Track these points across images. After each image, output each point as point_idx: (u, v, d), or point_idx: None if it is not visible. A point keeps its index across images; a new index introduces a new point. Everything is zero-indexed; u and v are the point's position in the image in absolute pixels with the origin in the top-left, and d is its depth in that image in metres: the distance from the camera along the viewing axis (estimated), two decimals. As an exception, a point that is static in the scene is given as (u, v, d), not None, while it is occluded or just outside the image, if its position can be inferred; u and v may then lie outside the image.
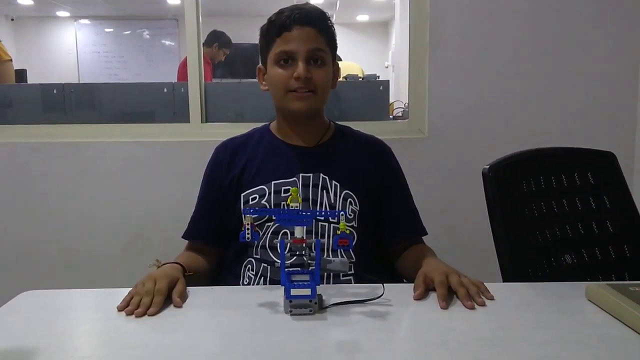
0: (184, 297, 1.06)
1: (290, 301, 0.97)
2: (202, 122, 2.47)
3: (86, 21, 8.48)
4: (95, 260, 2.39)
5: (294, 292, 0.97)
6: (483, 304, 1.02)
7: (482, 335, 0.90)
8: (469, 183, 2.34)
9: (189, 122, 2.47)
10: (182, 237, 1.37)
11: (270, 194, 1.27)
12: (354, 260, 1.26)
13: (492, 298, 1.05)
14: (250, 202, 1.28)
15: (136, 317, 0.96)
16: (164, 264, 1.17)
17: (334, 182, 1.29)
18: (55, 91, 2.55)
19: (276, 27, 1.25)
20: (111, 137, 2.45)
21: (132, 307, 0.98)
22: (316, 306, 0.98)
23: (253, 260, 1.26)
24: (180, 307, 1.01)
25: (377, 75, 3.34)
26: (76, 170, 2.39)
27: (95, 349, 0.86)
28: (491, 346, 0.86)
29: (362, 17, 8.49)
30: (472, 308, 1.00)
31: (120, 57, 8.44)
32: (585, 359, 0.82)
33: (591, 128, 2.36)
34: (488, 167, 1.35)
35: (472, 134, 2.39)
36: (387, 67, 7.81)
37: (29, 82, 3.61)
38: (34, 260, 2.41)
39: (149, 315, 0.97)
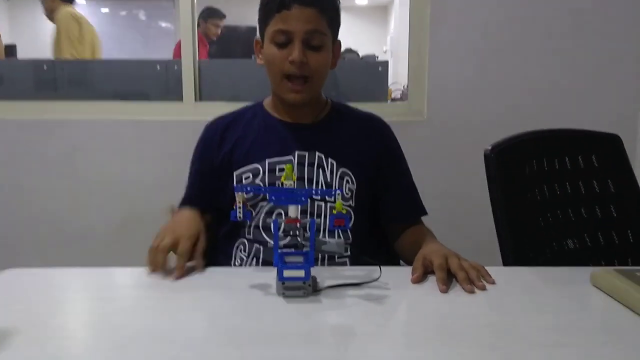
0: (206, 257, 1.09)
1: (283, 283, 0.93)
2: (195, 100, 2.42)
3: (82, 1, 8.34)
4: (87, 240, 2.35)
5: (287, 273, 0.93)
6: (484, 288, 0.98)
7: (482, 321, 0.86)
8: (468, 166, 2.31)
9: (182, 100, 2.42)
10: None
11: (264, 172, 1.22)
12: (350, 241, 1.22)
13: (493, 282, 1.01)
14: (244, 181, 1.23)
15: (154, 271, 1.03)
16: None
17: (330, 160, 1.24)
18: (45, 67, 2.48)
19: (276, 2, 1.19)
20: (102, 114, 2.39)
21: (153, 267, 1.04)
22: (310, 288, 0.94)
23: (245, 240, 1.22)
24: (202, 271, 1.06)
25: (376, 55, 3.27)
26: (66, 149, 2.33)
27: (76, 330, 0.82)
28: (493, 332, 0.82)
29: (361, 0, 8.38)
30: (472, 292, 0.97)
31: (116, 39, 8.32)
32: (591, 346, 0.78)
33: (596, 110, 2.30)
34: (490, 148, 1.31)
35: (473, 116, 2.34)
36: (385, 52, 7.73)
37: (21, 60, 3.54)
38: (23, 239, 2.36)
39: (175, 279, 1.01)
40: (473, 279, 0.99)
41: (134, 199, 2.35)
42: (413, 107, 2.40)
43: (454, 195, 2.32)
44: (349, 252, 1.20)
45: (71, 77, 2.53)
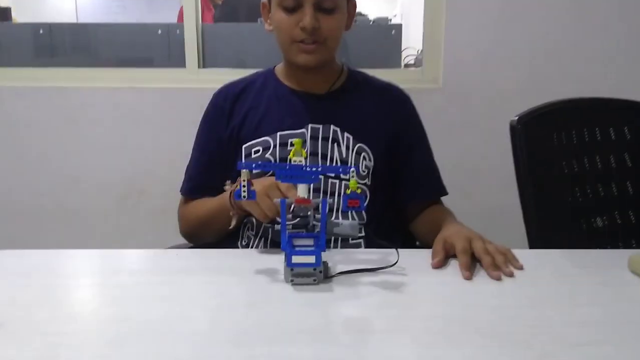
0: None
1: (292, 269, 0.85)
2: (199, 67, 2.33)
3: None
4: (88, 214, 2.28)
5: (295, 259, 0.85)
6: (511, 275, 0.90)
7: (511, 313, 0.78)
8: (487, 137, 2.24)
9: (185, 67, 2.32)
10: (180, 191, 1.24)
11: (275, 146, 1.14)
12: (364, 221, 1.13)
13: (521, 267, 0.93)
14: (253, 156, 1.15)
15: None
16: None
17: (346, 134, 1.15)
18: (42, 31, 2.37)
19: None
20: (101, 82, 2.31)
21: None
22: (321, 275, 0.86)
23: (253, 219, 1.14)
24: None
25: (389, 18, 3.13)
26: (64, 118, 2.25)
27: (64, 323, 0.74)
28: (523, 327, 0.73)
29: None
30: (499, 279, 0.88)
31: (120, 2, 8.12)
32: (633, 344, 0.70)
33: (625, 78, 2.16)
34: (517, 118, 1.22)
35: (491, 84, 2.23)
36: (395, 16, 7.49)
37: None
38: (20, 213, 2.30)
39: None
40: (500, 265, 0.91)
41: (136, 171, 2.27)
42: (428, 74, 2.30)
43: (471, 169, 2.22)
44: (363, 233, 1.12)
45: (68, 42, 2.43)
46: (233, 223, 1.06)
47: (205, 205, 1.16)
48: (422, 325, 0.74)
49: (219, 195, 1.12)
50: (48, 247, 1.00)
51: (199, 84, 2.22)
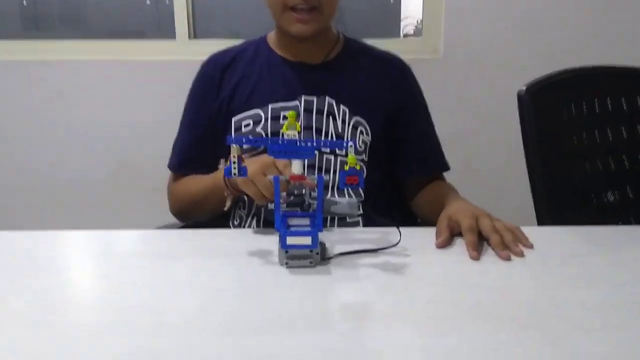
0: None
1: (286, 251, 0.79)
2: (189, 38, 2.24)
3: None
4: (77, 191, 2.22)
5: (290, 240, 0.79)
6: (521, 254, 0.84)
7: (522, 296, 0.72)
8: (490, 110, 2.17)
9: (175, 38, 2.24)
10: (168, 167, 1.18)
11: (267, 119, 1.07)
12: (362, 198, 1.07)
13: (530, 246, 0.87)
14: (243, 129, 1.09)
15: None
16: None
17: (342, 106, 1.08)
18: (25, 2, 2.28)
19: None
20: (88, 55, 2.22)
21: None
22: (317, 257, 0.80)
23: (245, 197, 1.07)
24: None
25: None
26: (51, 92, 2.17)
27: (41, 312, 0.68)
28: (535, 311, 0.68)
29: None
30: (508, 259, 0.83)
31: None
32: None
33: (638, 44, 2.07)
34: (525, 88, 1.15)
35: (495, 53, 2.15)
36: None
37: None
38: (6, 188, 2.23)
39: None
40: (508, 243, 0.85)
41: (126, 146, 2.20)
42: (428, 43, 2.22)
43: (473, 142, 2.16)
44: (361, 211, 1.06)
45: (53, 13, 2.33)
46: (228, 204, 1.00)
47: (198, 183, 1.10)
48: (426, 310, 0.69)
49: (213, 173, 1.06)
50: (34, 224, 0.94)
51: (190, 55, 2.12)
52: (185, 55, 2.17)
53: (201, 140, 1.14)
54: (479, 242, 0.86)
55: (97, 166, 2.21)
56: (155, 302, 0.70)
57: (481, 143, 2.16)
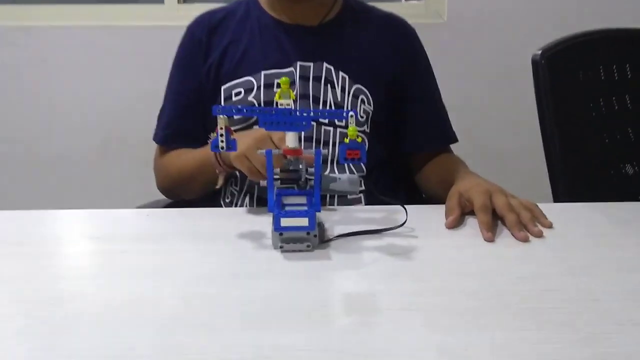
0: None
1: (281, 234, 0.71)
2: (178, 2, 2.14)
3: None
4: (62, 164, 2.13)
5: (285, 222, 0.71)
6: (540, 235, 0.77)
7: (546, 283, 0.65)
8: (498, 77, 2.07)
9: (163, 2, 2.14)
10: (154, 140, 1.10)
11: (259, 87, 0.99)
12: (364, 173, 0.99)
13: (550, 225, 0.79)
14: (234, 99, 1.00)
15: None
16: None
17: (341, 73, 1.00)
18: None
19: None
20: (72, 20, 2.11)
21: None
22: (316, 240, 0.72)
23: (237, 173, 0.99)
24: None
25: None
26: (34, 60, 2.07)
27: (8, 304, 0.61)
28: (564, 301, 0.61)
29: None
30: (526, 240, 0.75)
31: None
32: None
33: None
34: (540, 52, 1.06)
35: (503, 16, 2.04)
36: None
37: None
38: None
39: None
40: (526, 223, 0.78)
41: (114, 117, 2.10)
42: (431, 7, 2.13)
43: (481, 112, 2.05)
44: (362, 187, 0.98)
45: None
46: (220, 182, 0.92)
47: (187, 158, 1.02)
48: (439, 302, 0.61)
49: (202, 148, 0.98)
50: (17, 198, 0.85)
51: (180, 21, 1.99)
52: (174, 20, 2.05)
53: (188, 110, 1.06)
54: (493, 222, 0.78)
55: (84, 137, 2.12)
56: (129, 293, 0.63)
57: (489, 113, 2.06)
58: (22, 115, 2.11)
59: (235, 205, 1.01)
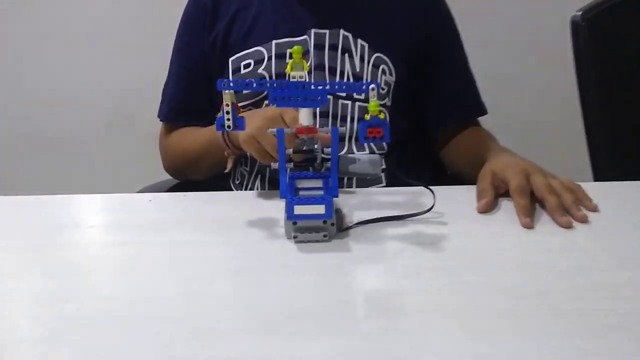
0: None
1: (294, 223, 0.64)
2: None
3: None
4: (69, 143, 2.07)
5: (299, 209, 0.64)
6: (584, 220, 0.69)
7: (595, 279, 0.57)
8: (531, 41, 1.94)
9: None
10: (159, 117, 1.04)
11: (270, 58, 0.92)
12: (385, 150, 0.91)
13: (595, 209, 0.71)
14: (243, 71, 0.93)
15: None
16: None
17: (360, 41, 0.92)
18: None
19: None
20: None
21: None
22: (333, 229, 0.65)
23: (248, 153, 0.92)
24: None
25: None
26: (35, 32, 1.99)
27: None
28: (617, 301, 0.53)
29: None
30: (570, 227, 0.67)
31: None
32: None
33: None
34: (580, 13, 0.96)
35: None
36: None
37: None
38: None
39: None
40: (569, 207, 0.70)
41: (123, 93, 2.03)
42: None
43: (512, 81, 1.93)
44: (384, 165, 0.90)
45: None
46: (229, 166, 0.85)
47: (193, 138, 0.96)
48: (475, 301, 0.53)
49: (210, 127, 0.91)
50: (22, 179, 0.80)
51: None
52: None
53: (193, 83, 0.99)
54: (532, 205, 0.70)
55: (91, 114, 2.05)
56: (126, 292, 0.57)
57: (522, 82, 1.94)
58: (21, 92, 2.05)
59: (246, 188, 0.94)
